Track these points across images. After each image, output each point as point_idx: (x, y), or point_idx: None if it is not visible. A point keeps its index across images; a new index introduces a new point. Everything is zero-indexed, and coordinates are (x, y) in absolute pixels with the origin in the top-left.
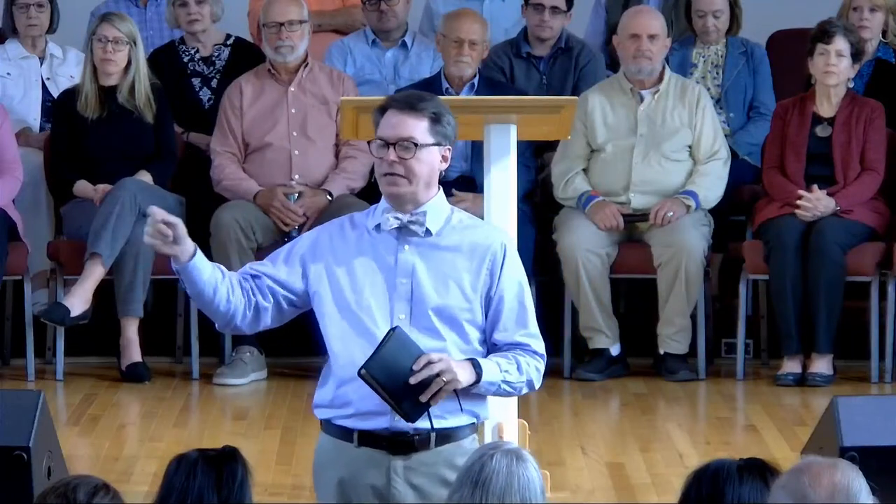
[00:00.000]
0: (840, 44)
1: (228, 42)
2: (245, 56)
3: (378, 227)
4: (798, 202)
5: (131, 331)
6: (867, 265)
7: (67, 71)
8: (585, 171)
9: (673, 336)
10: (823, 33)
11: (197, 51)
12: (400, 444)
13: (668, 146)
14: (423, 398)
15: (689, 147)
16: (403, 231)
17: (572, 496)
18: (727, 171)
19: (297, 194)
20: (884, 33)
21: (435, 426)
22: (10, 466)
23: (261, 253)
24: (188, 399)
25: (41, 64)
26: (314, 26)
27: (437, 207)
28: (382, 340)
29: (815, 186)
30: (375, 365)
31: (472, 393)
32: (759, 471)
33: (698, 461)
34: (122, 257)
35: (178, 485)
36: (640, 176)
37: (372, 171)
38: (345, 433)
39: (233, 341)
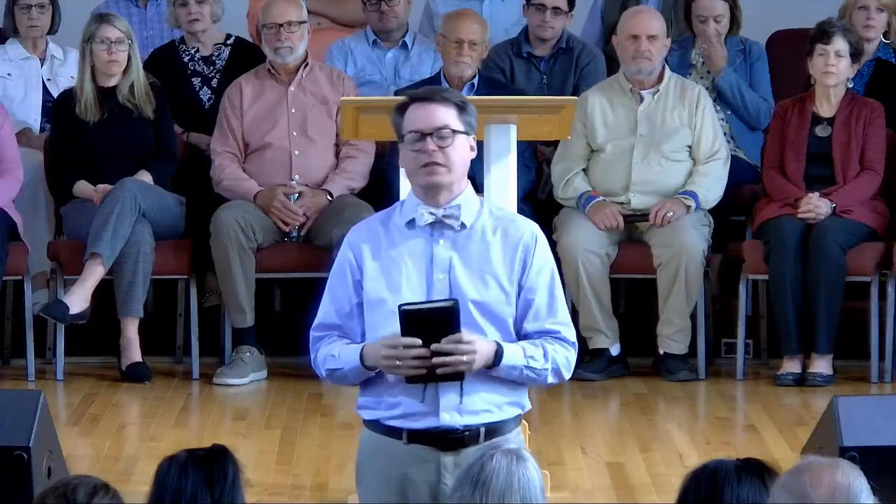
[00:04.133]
0: (839, 44)
1: (229, 42)
2: (245, 56)
3: (411, 222)
4: (798, 208)
5: (131, 331)
6: (867, 265)
7: (68, 72)
8: (585, 171)
9: (673, 336)
10: (823, 33)
11: (197, 50)
12: (449, 441)
13: (667, 146)
14: (438, 370)
15: (689, 147)
16: (437, 225)
17: (572, 496)
18: (727, 171)
19: (297, 194)
20: (885, 34)
21: (484, 421)
22: (11, 466)
23: (261, 253)
24: (188, 399)
25: (42, 65)
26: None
27: (469, 200)
28: (439, 301)
29: (814, 195)
30: (415, 314)
31: (497, 378)
32: (757, 471)
33: (698, 461)
34: (122, 257)
35: (170, 486)
36: (640, 176)
37: (372, 172)
38: (393, 432)
39: (233, 341)
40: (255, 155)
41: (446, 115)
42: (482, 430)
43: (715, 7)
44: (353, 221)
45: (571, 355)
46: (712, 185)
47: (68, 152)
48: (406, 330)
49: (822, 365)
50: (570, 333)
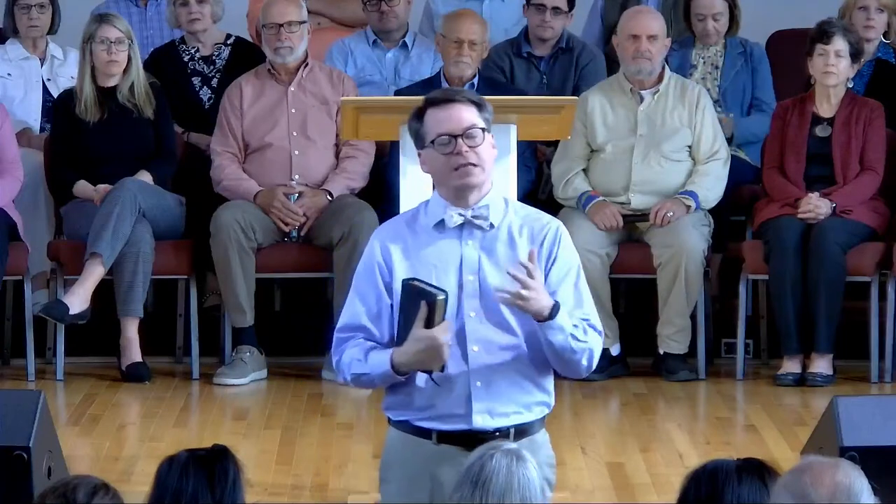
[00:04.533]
0: (839, 44)
1: (229, 42)
2: (245, 56)
3: (439, 224)
4: (798, 208)
5: (131, 331)
6: (867, 265)
7: (68, 72)
8: (585, 171)
9: (673, 336)
10: (822, 33)
11: (197, 50)
12: (480, 442)
13: (667, 146)
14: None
15: (689, 147)
16: (466, 226)
17: (572, 496)
18: (727, 171)
19: (297, 194)
20: (885, 34)
21: (514, 422)
22: (11, 466)
23: (261, 253)
24: (188, 399)
25: (42, 65)
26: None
27: (495, 199)
28: (436, 288)
29: (814, 195)
30: (410, 288)
31: (526, 378)
32: (757, 471)
33: (698, 461)
34: (122, 257)
35: (171, 486)
36: (640, 176)
37: (372, 172)
38: (423, 432)
39: (233, 341)
40: (255, 155)
41: (470, 115)
42: (512, 430)
43: (714, 5)
44: (353, 221)
45: (599, 345)
46: (712, 185)
47: (68, 152)
48: (404, 303)
49: (822, 365)
50: (598, 324)
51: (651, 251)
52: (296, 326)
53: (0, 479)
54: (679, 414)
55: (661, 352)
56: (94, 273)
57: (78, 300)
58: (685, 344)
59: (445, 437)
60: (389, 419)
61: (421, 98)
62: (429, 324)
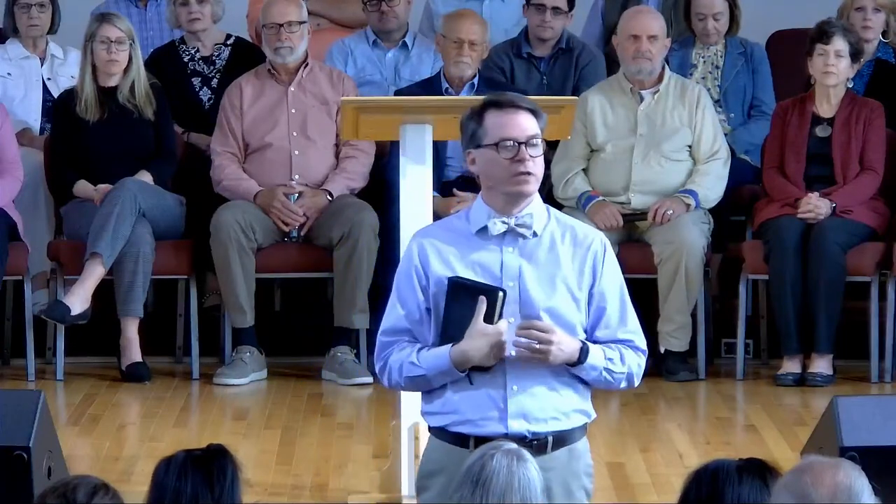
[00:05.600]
0: (839, 44)
1: (229, 42)
2: (245, 56)
3: (482, 230)
4: (798, 208)
5: (131, 331)
6: (867, 265)
7: (68, 71)
8: (585, 171)
9: (673, 333)
10: (822, 33)
11: (197, 50)
12: None
13: (667, 146)
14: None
15: (689, 147)
16: (508, 233)
17: None
18: (727, 170)
19: (297, 194)
20: (884, 33)
21: (552, 429)
22: (11, 466)
23: (261, 253)
24: (188, 399)
25: (42, 64)
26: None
27: (538, 208)
28: (486, 286)
29: (814, 195)
30: (460, 286)
31: (565, 384)
32: (759, 471)
33: (698, 461)
34: (122, 257)
35: (169, 487)
36: (640, 176)
37: (372, 172)
38: (460, 439)
39: (233, 341)
40: (255, 155)
41: (533, 124)
42: (550, 438)
43: (714, 5)
44: (353, 221)
45: (643, 362)
46: (712, 185)
47: (68, 152)
48: (450, 301)
49: (822, 365)
50: (642, 342)
51: (651, 250)
52: (296, 326)
53: (0, 479)
54: (679, 414)
55: (662, 349)
56: (94, 273)
57: (78, 300)
58: (685, 341)
59: (482, 444)
60: (429, 427)
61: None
62: (486, 320)
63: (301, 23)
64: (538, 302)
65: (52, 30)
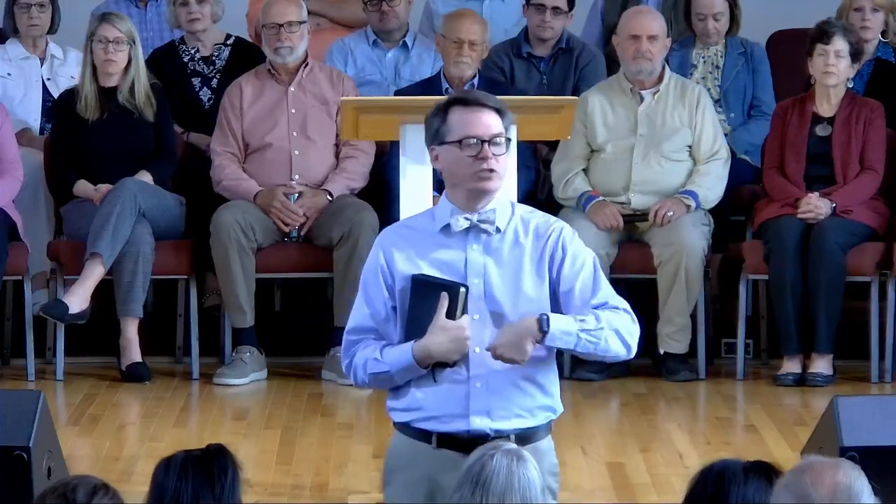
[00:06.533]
0: (839, 44)
1: (228, 42)
2: (245, 56)
3: (445, 228)
4: (798, 208)
5: (131, 331)
6: (867, 265)
7: (68, 71)
8: (585, 171)
9: (673, 335)
10: (822, 33)
11: (197, 50)
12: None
13: (668, 146)
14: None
15: (689, 147)
16: (472, 230)
17: (572, 496)
18: (727, 170)
19: (297, 194)
20: (883, 33)
21: (514, 427)
22: (10, 466)
23: (261, 253)
24: (188, 399)
25: (42, 64)
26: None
27: (502, 204)
28: (449, 282)
29: (814, 195)
30: (424, 282)
31: (529, 381)
32: (765, 472)
33: (698, 461)
34: (122, 257)
35: (169, 487)
36: (640, 176)
37: (372, 172)
38: (423, 435)
39: (233, 341)
40: (255, 155)
41: (497, 122)
42: (513, 436)
43: (714, 5)
44: (353, 221)
45: (629, 320)
46: (712, 185)
47: (68, 152)
48: (414, 298)
49: (822, 365)
50: (621, 302)
51: (651, 251)
52: (296, 326)
53: (0, 479)
54: (679, 414)
55: (662, 351)
56: (94, 273)
57: (78, 300)
58: (685, 343)
59: (445, 441)
60: (394, 422)
61: (422, 98)
62: (448, 316)
63: (301, 23)
64: (503, 298)
65: (52, 30)
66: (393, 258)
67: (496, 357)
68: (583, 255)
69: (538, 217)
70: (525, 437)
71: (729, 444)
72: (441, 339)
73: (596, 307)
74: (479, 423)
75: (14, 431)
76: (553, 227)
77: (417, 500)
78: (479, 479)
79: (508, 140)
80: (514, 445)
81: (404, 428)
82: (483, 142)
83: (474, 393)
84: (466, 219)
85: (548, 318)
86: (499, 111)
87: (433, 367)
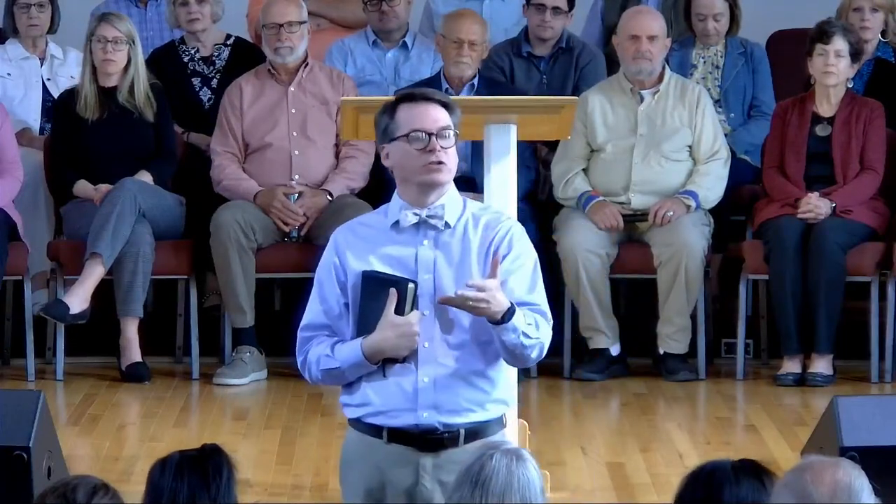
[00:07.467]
0: (839, 44)
1: (228, 42)
2: (245, 56)
3: (396, 224)
4: (798, 208)
5: (131, 331)
6: (867, 265)
7: (68, 71)
8: (585, 171)
9: (672, 335)
10: (822, 33)
11: (197, 50)
12: (429, 442)
13: (668, 146)
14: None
15: (689, 147)
16: (422, 226)
17: (572, 496)
18: (727, 170)
19: (297, 194)
20: (883, 33)
21: (464, 421)
22: (10, 466)
23: (261, 253)
24: (188, 399)
25: (41, 64)
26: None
27: (453, 199)
28: (397, 278)
29: (814, 195)
30: (373, 279)
31: (478, 374)
32: (755, 471)
33: (698, 461)
34: (122, 257)
35: (166, 487)
36: (640, 176)
37: (372, 171)
38: (374, 430)
39: (233, 341)
40: (255, 155)
41: (444, 116)
42: (462, 431)
43: (714, 5)
44: None
45: (548, 334)
46: (712, 185)
47: (68, 152)
48: (364, 295)
49: (822, 365)
50: (548, 313)
51: (651, 251)
52: (296, 326)
53: (0, 479)
54: (679, 414)
55: (661, 351)
56: (94, 273)
57: (78, 300)
58: (685, 343)
59: (395, 436)
60: (347, 418)
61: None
62: (397, 312)
63: (301, 23)
64: (452, 293)
65: (52, 30)
66: (346, 255)
67: (464, 299)
68: (526, 254)
69: (490, 213)
70: (475, 431)
71: (729, 444)
72: (389, 334)
73: (529, 304)
74: (428, 417)
75: (14, 431)
76: (503, 224)
77: (369, 495)
78: (478, 479)
79: (456, 134)
80: (513, 445)
81: (357, 423)
82: (430, 135)
83: (422, 388)
84: (415, 214)
85: (514, 314)
86: (446, 105)
87: (383, 363)
